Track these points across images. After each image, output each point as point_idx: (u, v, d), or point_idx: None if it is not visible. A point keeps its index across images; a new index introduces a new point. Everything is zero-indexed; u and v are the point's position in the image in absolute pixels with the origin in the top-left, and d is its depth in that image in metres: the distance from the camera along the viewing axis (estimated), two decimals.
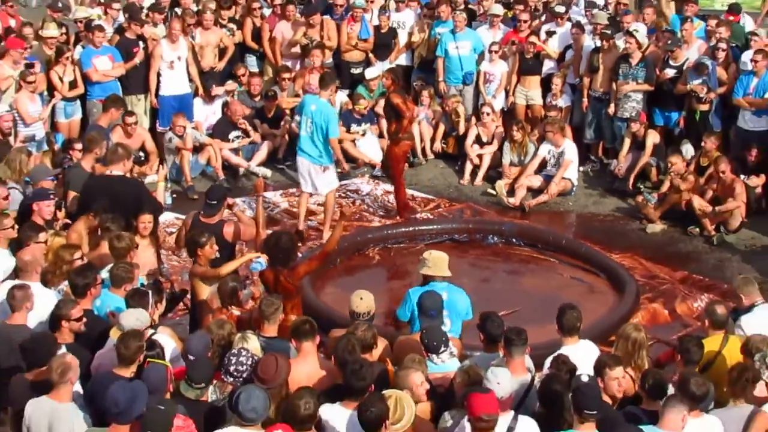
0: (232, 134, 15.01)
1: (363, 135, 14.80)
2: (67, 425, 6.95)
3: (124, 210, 10.21)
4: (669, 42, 14.80)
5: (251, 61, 16.42)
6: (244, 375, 7.39)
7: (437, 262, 9.64)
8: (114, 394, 6.79)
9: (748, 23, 16.19)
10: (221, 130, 15.04)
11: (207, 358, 7.77)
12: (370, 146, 14.77)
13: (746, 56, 14.27)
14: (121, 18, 15.65)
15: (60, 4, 17.01)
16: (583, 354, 8.09)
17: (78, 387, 7.34)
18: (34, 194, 10.65)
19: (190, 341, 8.14)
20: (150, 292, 8.81)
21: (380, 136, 15.06)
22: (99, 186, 10.80)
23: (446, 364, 7.96)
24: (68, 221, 10.71)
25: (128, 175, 11.47)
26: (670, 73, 14.43)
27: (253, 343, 7.85)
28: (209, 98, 15.38)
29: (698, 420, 7.06)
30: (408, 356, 7.78)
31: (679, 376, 7.51)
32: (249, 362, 7.45)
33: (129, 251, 9.48)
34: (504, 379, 7.09)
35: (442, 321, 8.85)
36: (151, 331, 8.19)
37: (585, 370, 7.69)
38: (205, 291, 9.65)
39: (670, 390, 7.29)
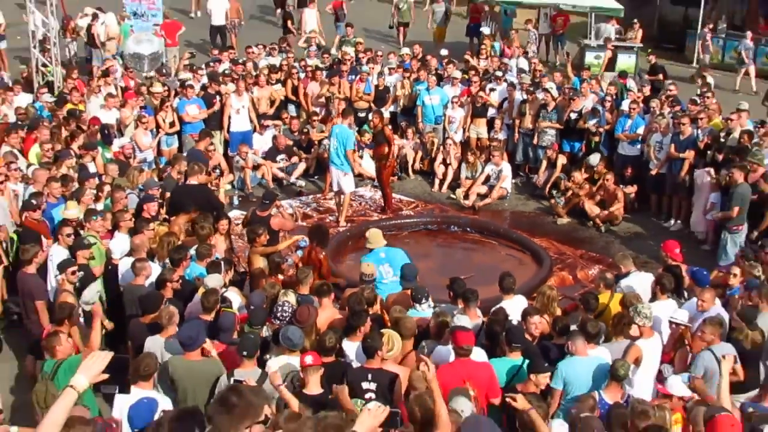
0: (279, 157, 14.91)
1: (362, 158, 14.77)
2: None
3: (198, 206, 10.30)
4: (572, 95, 14.85)
5: (291, 108, 16.30)
6: (286, 319, 7.44)
7: (374, 237, 9.71)
8: (184, 331, 6.98)
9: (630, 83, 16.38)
10: (271, 154, 14.94)
11: (263, 308, 7.81)
12: (370, 165, 14.74)
13: (625, 104, 14.25)
14: (205, 79, 15.62)
15: (164, 70, 17.01)
16: (516, 306, 8.15)
17: None
18: (144, 198, 10.70)
19: (252, 297, 8.24)
20: (222, 263, 8.89)
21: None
22: (181, 191, 10.93)
23: (425, 312, 8.02)
24: (167, 216, 10.74)
25: (209, 184, 11.70)
26: (573, 116, 14.43)
27: (291, 298, 7.89)
28: (262, 132, 15.31)
29: (594, 350, 7.16)
30: (393, 308, 7.89)
31: (580, 321, 7.57)
32: (289, 310, 7.53)
33: (209, 236, 9.54)
34: (464, 323, 7.16)
35: (416, 282, 8.84)
36: (223, 289, 8.26)
37: (517, 317, 7.78)
38: (260, 262, 9.69)
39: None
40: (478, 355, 6.99)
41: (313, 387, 6.31)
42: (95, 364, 3.52)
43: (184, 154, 13.21)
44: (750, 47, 19.89)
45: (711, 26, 20.66)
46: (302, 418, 4.73)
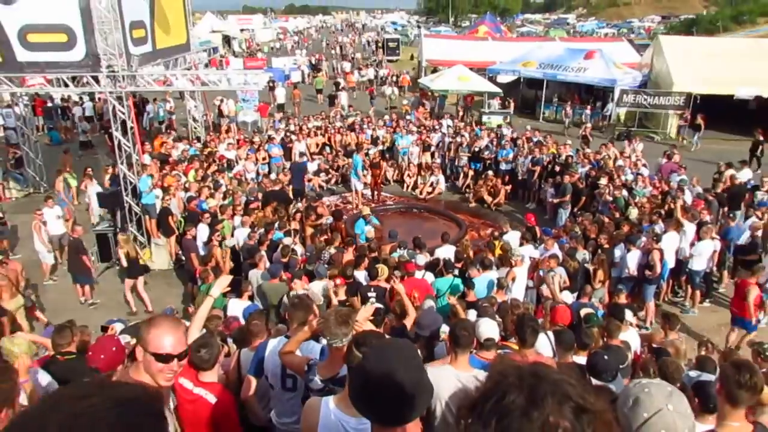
0: (321, 174, 14.66)
1: (365, 176, 14.56)
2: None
3: (277, 201, 10.10)
4: (475, 138, 14.60)
5: (327, 148, 15.92)
6: (327, 260, 7.31)
7: (364, 209, 9.74)
8: (271, 268, 6.81)
9: (506, 130, 16.01)
10: (317, 173, 14.63)
11: (314, 254, 7.68)
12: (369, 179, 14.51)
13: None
14: (282, 134, 15.36)
15: (257, 129, 16.76)
16: (449, 249, 8.02)
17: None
18: (250, 198, 10.56)
19: (308, 248, 8.06)
20: (293, 231, 8.72)
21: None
22: (268, 193, 10.82)
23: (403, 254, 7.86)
24: (262, 206, 10.51)
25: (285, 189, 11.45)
26: (476, 149, 14.13)
27: (331, 249, 7.75)
28: (312, 161, 14.93)
29: (489, 273, 6.96)
30: (383, 251, 7.75)
31: (481, 259, 7.46)
32: (328, 256, 7.37)
33: (285, 217, 9.36)
34: (420, 260, 7.06)
35: (397, 237, 8.65)
36: (293, 245, 8.09)
37: (450, 255, 7.66)
38: (310, 230, 9.51)
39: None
40: (430, 276, 6.91)
41: (341, 296, 6.22)
42: (222, 281, 3.44)
43: (272, 174, 13.06)
44: (588, 113, 19.57)
45: (569, 102, 20.35)
46: (331, 309, 4.69)
